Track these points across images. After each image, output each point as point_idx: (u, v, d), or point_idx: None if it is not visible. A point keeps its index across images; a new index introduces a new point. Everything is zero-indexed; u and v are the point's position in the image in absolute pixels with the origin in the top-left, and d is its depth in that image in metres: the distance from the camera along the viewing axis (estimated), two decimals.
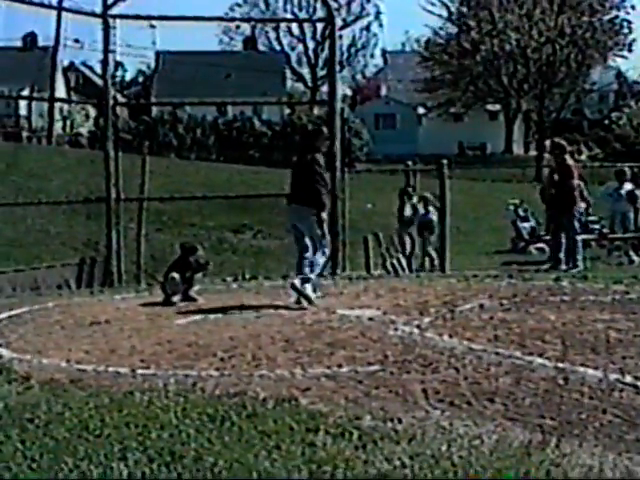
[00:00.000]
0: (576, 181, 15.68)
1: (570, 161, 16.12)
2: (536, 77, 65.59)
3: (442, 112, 70.84)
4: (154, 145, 41.41)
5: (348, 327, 9.57)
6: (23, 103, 64.96)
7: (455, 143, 67.04)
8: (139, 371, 7.72)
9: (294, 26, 76.88)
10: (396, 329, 9.38)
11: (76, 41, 70.15)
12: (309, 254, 11.37)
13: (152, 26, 62.42)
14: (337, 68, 16.94)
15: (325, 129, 12.91)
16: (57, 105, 59.75)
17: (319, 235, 11.37)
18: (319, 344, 8.70)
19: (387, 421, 6.06)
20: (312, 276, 11.25)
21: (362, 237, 19.03)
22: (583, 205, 16.88)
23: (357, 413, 6.25)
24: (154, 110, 58.89)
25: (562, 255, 15.66)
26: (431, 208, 18.61)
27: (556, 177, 15.79)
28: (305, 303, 10.98)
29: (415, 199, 19.39)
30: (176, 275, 11.73)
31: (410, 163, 19.36)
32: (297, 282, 11.10)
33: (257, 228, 29.81)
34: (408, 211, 19.59)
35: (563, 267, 15.38)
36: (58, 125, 60.77)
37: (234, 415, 6.18)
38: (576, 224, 15.71)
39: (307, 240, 11.45)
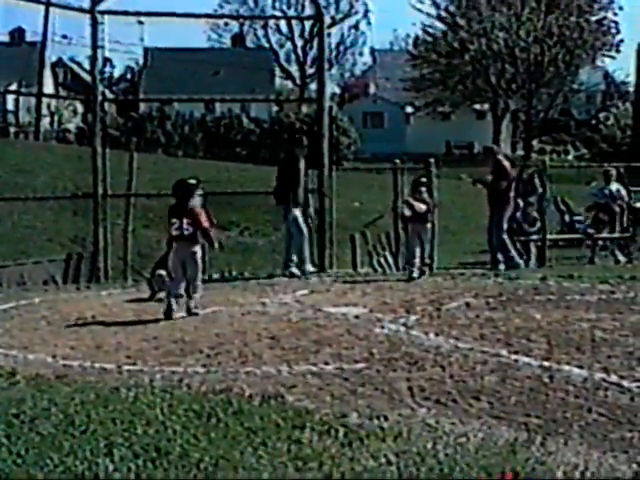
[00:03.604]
0: (505, 183, 15.74)
1: (505, 162, 16.16)
2: (524, 77, 65.72)
3: (430, 111, 70.90)
4: (142, 141, 41.30)
5: (334, 325, 9.59)
6: (10, 98, 64.70)
7: (443, 142, 67.03)
8: (125, 367, 7.72)
9: (282, 24, 76.95)
10: (382, 327, 9.40)
11: (64, 37, 70.08)
12: None
13: (140, 22, 62.38)
14: (326, 66, 16.92)
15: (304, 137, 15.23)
16: (45, 101, 59.53)
17: None
18: (305, 341, 8.71)
19: (373, 418, 6.08)
20: None
21: (349, 235, 19.03)
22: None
23: (343, 410, 6.26)
24: (142, 106, 58.73)
25: (499, 255, 15.60)
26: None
27: (489, 178, 15.92)
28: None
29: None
30: (163, 272, 11.69)
31: (398, 161, 19.28)
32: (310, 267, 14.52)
33: (244, 225, 29.73)
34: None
35: (502, 267, 15.32)
36: (45, 121, 60.58)
37: (220, 412, 6.19)
38: (504, 224, 15.65)
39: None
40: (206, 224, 10.51)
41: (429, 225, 13.91)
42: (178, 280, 10.35)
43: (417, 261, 13.59)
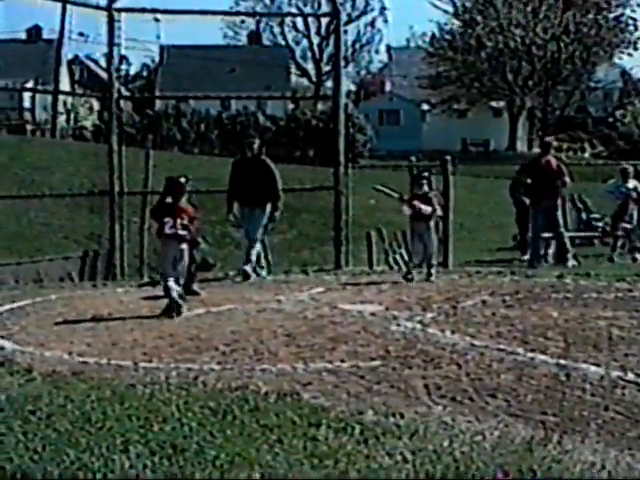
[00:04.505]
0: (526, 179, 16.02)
1: (542, 158, 16.37)
2: (541, 74, 65.55)
3: (446, 108, 70.74)
4: (158, 139, 41.33)
5: (350, 322, 9.58)
6: (27, 96, 64.90)
7: (459, 140, 66.77)
8: (141, 364, 7.73)
9: (299, 21, 76.83)
10: (398, 324, 9.38)
11: (81, 34, 70.13)
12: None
13: (157, 20, 62.51)
14: (342, 63, 16.92)
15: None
16: (61, 98, 59.67)
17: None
18: (321, 339, 8.70)
19: (389, 416, 6.06)
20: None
21: (365, 232, 19.02)
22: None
23: (359, 408, 6.25)
24: (158, 104, 58.78)
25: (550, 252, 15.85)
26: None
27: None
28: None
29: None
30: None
31: (414, 159, 19.29)
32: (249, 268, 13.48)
33: None
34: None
35: (570, 264, 15.41)
36: (62, 118, 60.72)
37: (236, 409, 6.18)
38: (533, 220, 15.94)
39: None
40: (194, 232, 10.74)
41: (432, 223, 13.38)
42: (172, 276, 10.38)
43: (433, 261, 13.32)
